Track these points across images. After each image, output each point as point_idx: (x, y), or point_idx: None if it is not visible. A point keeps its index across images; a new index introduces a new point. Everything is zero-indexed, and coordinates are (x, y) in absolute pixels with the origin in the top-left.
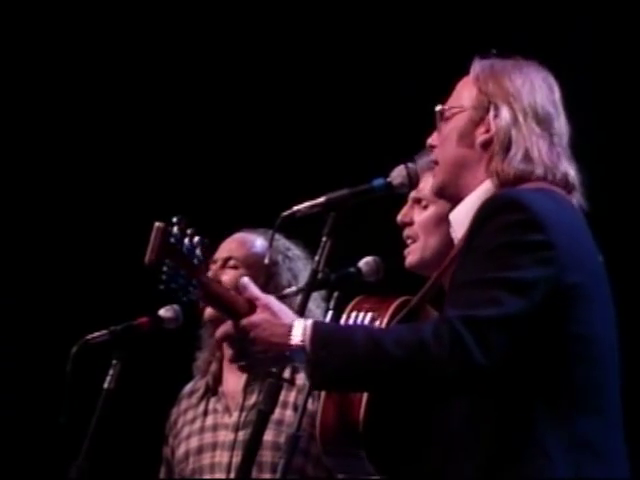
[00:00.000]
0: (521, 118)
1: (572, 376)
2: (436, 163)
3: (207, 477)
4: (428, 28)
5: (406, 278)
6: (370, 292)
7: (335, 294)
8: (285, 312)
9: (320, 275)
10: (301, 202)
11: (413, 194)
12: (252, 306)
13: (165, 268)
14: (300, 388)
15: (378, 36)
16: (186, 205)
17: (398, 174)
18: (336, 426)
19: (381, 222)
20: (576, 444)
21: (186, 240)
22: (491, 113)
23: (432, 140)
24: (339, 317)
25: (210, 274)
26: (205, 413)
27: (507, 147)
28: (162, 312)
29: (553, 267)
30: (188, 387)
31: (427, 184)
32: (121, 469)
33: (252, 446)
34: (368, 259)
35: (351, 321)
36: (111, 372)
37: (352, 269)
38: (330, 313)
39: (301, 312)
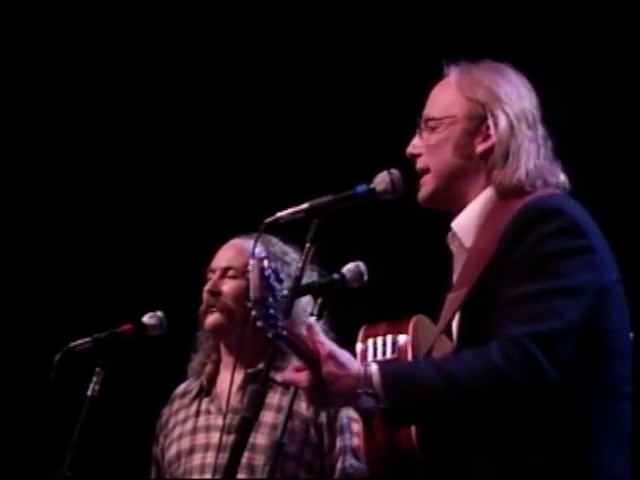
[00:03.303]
0: (517, 126)
1: (614, 369)
2: (424, 171)
3: (196, 477)
4: (419, 33)
5: (394, 284)
6: (370, 320)
7: (318, 300)
8: (351, 361)
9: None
10: (284, 208)
11: None
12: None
13: (267, 302)
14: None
15: (363, 44)
16: (173, 212)
17: (381, 180)
18: (386, 450)
19: (365, 228)
20: (624, 439)
21: (273, 276)
22: (490, 122)
23: (414, 148)
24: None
25: (209, 284)
26: (197, 414)
27: (507, 156)
28: (146, 319)
29: (596, 270)
30: (181, 387)
31: None
32: (104, 477)
33: (236, 453)
34: (351, 265)
35: (371, 349)
36: (95, 379)
37: (336, 275)
38: (313, 319)
39: (285, 318)
